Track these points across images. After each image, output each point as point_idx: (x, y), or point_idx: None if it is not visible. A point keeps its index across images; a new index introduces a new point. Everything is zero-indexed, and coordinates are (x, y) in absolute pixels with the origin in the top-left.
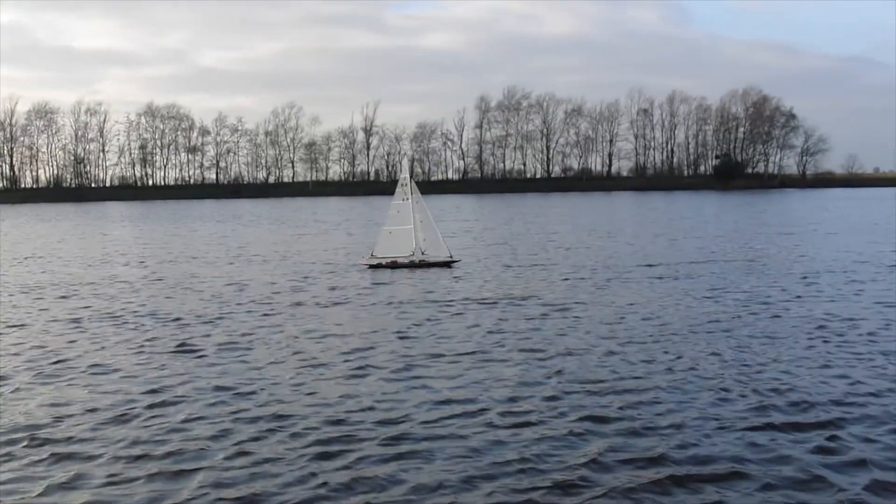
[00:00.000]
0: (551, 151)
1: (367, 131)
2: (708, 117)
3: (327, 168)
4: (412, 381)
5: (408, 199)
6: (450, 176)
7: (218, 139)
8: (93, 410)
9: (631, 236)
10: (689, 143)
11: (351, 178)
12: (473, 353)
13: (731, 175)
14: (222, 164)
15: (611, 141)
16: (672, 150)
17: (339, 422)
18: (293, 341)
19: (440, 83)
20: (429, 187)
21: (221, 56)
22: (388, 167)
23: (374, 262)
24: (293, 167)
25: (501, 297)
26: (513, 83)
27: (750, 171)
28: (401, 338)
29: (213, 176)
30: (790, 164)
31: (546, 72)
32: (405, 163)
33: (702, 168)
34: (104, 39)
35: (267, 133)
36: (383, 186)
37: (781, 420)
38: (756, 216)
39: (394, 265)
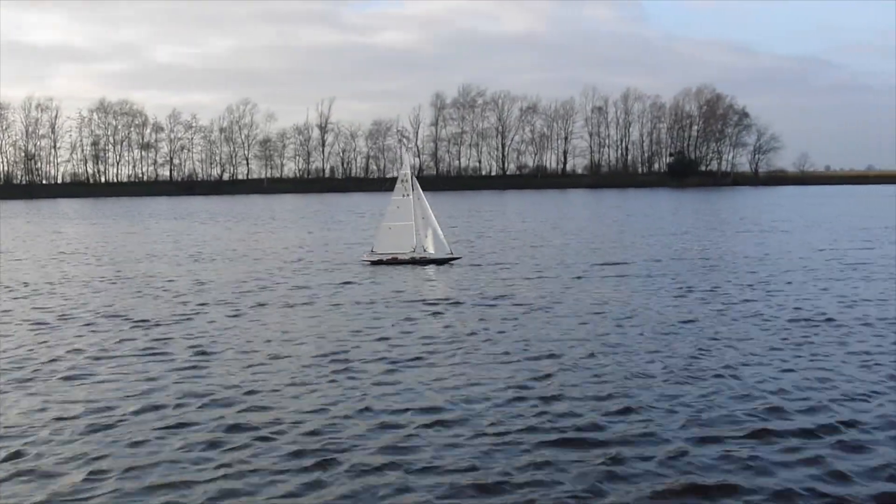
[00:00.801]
0: (506, 149)
1: (323, 128)
2: (662, 115)
3: (282, 165)
4: (392, 384)
5: (408, 195)
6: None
7: (172, 136)
8: (60, 419)
9: (595, 234)
10: (643, 141)
11: (306, 176)
12: (452, 355)
13: (684, 173)
14: (176, 161)
15: (566, 138)
16: (626, 148)
17: (315, 432)
18: (265, 344)
19: (396, 81)
20: (384, 184)
21: (176, 52)
22: (343, 164)
23: (375, 258)
24: (248, 164)
25: (500, 296)
26: (468, 81)
27: (703, 168)
28: (380, 339)
29: (167, 173)
30: (743, 162)
31: (502, 70)
32: (406, 158)
33: (656, 166)
34: (56, 34)
35: (221, 130)
36: (339, 184)
37: (770, 426)
38: (716, 214)
39: (394, 261)
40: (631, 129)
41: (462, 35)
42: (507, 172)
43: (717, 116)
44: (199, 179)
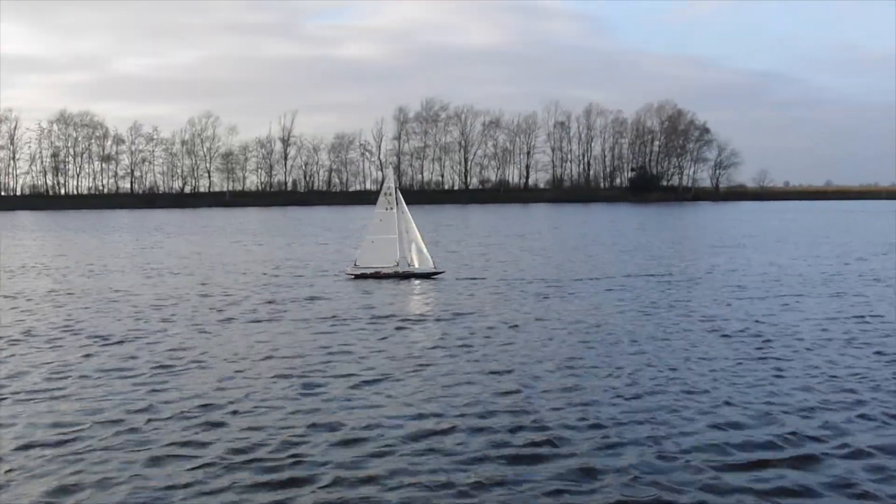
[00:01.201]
0: (469, 163)
1: (285, 141)
2: (624, 130)
3: (244, 178)
4: (358, 399)
5: (392, 208)
6: (368, 186)
7: (133, 148)
8: (22, 438)
9: (571, 248)
10: (605, 156)
11: (268, 189)
12: (422, 370)
13: (646, 188)
14: (137, 174)
15: (528, 153)
16: (588, 163)
17: (291, 445)
18: (236, 359)
19: (359, 93)
20: (347, 198)
21: (138, 63)
22: (305, 178)
23: (359, 272)
24: (209, 177)
25: (471, 311)
26: (431, 94)
27: (665, 183)
28: (350, 354)
29: (128, 185)
30: (704, 178)
31: (465, 83)
32: (390, 172)
33: (618, 181)
34: (16, 44)
35: (183, 142)
36: (301, 197)
37: (731, 441)
38: (683, 229)
39: (377, 275)
40: (593, 144)
41: (426, 48)
42: (470, 187)
43: (679, 132)
44: (160, 192)
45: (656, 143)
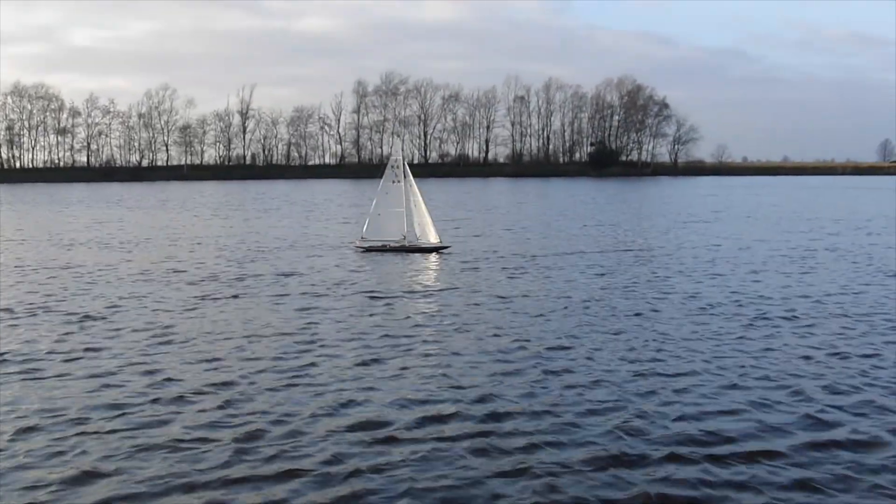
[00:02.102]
0: (429, 137)
1: (244, 114)
2: (583, 105)
3: (202, 152)
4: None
5: (399, 181)
6: (327, 160)
7: (89, 121)
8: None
9: (547, 224)
10: (564, 131)
11: (227, 162)
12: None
13: (605, 162)
14: (94, 147)
15: (488, 127)
16: (548, 138)
17: (292, 427)
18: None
19: (318, 67)
20: (306, 172)
21: (94, 35)
22: (264, 151)
23: (367, 244)
24: (167, 150)
25: (485, 288)
26: (391, 68)
27: (624, 158)
28: (342, 332)
29: (84, 159)
30: (662, 153)
31: (425, 57)
32: (397, 144)
33: (577, 155)
34: None
35: (140, 115)
36: (260, 171)
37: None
38: (652, 205)
39: (384, 248)
40: (552, 119)
41: (385, 21)
42: (430, 161)
43: (638, 107)
44: (117, 165)
45: (615, 117)
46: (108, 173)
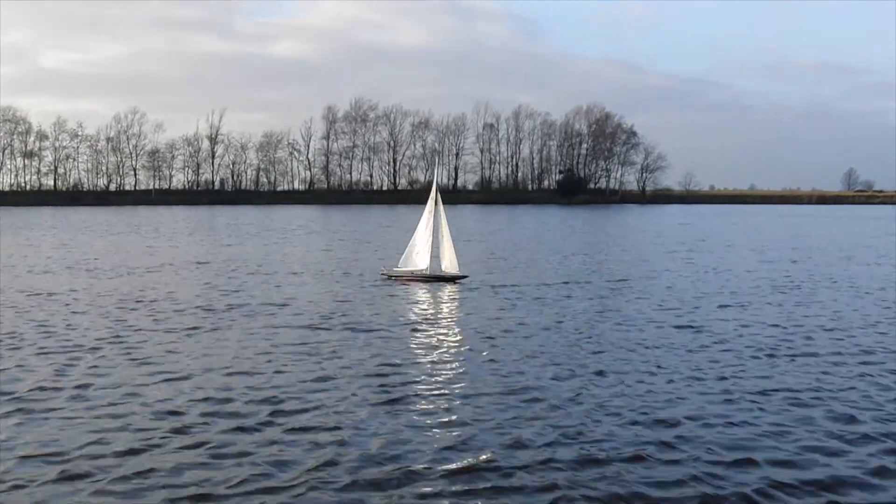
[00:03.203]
0: (398, 164)
1: (213, 139)
2: (552, 133)
3: (171, 176)
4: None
5: (432, 211)
6: (296, 186)
7: (56, 144)
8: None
9: (548, 252)
10: (533, 158)
11: (195, 187)
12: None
13: (574, 190)
14: (61, 171)
15: (457, 154)
16: (517, 165)
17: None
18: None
19: (288, 92)
20: (275, 197)
21: (63, 57)
22: (233, 176)
23: (395, 273)
24: (135, 175)
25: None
26: (360, 94)
27: (592, 186)
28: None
29: (51, 182)
30: (630, 181)
31: (396, 83)
32: (436, 171)
33: (546, 183)
34: None
35: (108, 139)
36: (228, 196)
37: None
38: (630, 233)
39: (409, 278)
40: (521, 146)
41: (356, 47)
42: (399, 187)
43: (606, 135)
44: (84, 189)
45: (584, 145)
46: (75, 197)
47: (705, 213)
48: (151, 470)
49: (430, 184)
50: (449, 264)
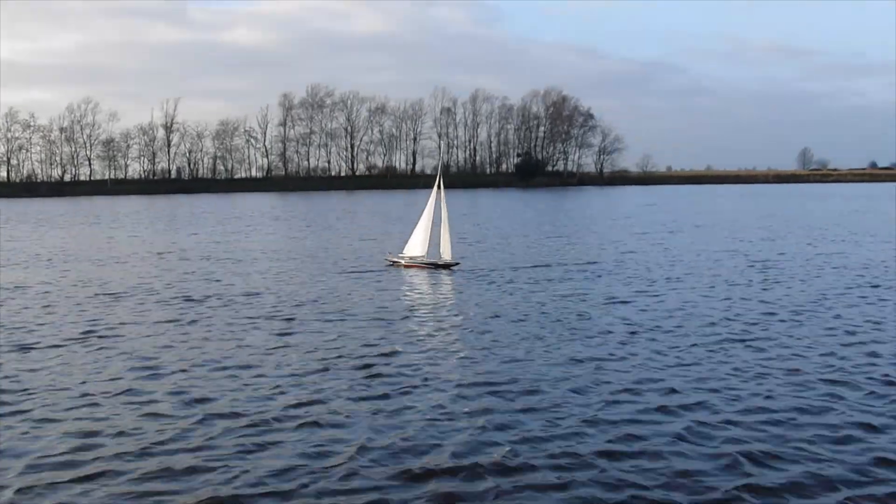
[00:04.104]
0: (355, 149)
1: (168, 128)
2: (510, 116)
3: (126, 166)
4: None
5: (437, 196)
6: (253, 174)
7: (9, 135)
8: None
9: (521, 235)
10: (491, 142)
11: (151, 177)
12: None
13: (532, 173)
14: (14, 162)
15: (415, 139)
16: (475, 149)
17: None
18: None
19: (244, 80)
20: (232, 185)
21: (14, 47)
22: (189, 165)
23: (394, 259)
24: (90, 165)
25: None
26: (317, 81)
27: (550, 169)
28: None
29: (4, 174)
30: (588, 163)
31: (353, 70)
32: (440, 154)
33: (504, 166)
34: None
35: (62, 129)
36: (185, 185)
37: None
38: (597, 216)
39: (409, 265)
40: (479, 130)
41: (312, 34)
42: (357, 173)
43: (563, 118)
44: (38, 181)
45: (541, 128)
46: (29, 188)
47: (668, 194)
48: (144, 471)
49: (388, 169)
50: (444, 251)
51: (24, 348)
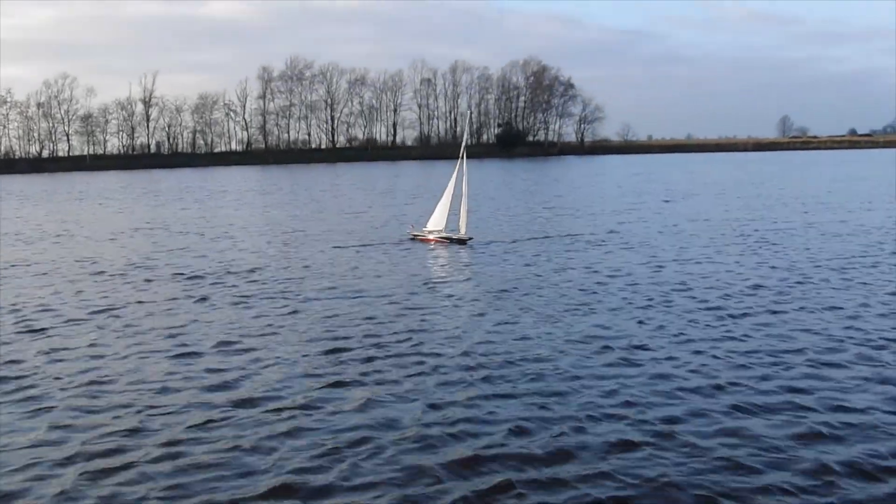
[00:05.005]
0: (336, 121)
1: (147, 102)
2: (490, 87)
3: (105, 141)
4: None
5: (461, 168)
6: (233, 147)
7: None
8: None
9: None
10: (471, 112)
11: (131, 152)
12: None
13: (513, 143)
14: None
15: (395, 110)
16: (455, 120)
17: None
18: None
19: (223, 53)
20: (212, 159)
21: None
22: (169, 139)
23: (416, 233)
24: (69, 140)
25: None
26: (296, 53)
27: (531, 139)
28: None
29: None
30: (569, 132)
31: (333, 42)
32: (466, 123)
33: (485, 137)
34: None
35: (39, 105)
36: (165, 159)
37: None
38: (591, 184)
39: (426, 238)
40: (459, 101)
41: (291, 6)
42: (338, 145)
43: (544, 87)
44: (16, 157)
45: (522, 98)
46: (7, 165)
47: (650, 163)
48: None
49: (369, 141)
50: (462, 225)
51: (35, 330)
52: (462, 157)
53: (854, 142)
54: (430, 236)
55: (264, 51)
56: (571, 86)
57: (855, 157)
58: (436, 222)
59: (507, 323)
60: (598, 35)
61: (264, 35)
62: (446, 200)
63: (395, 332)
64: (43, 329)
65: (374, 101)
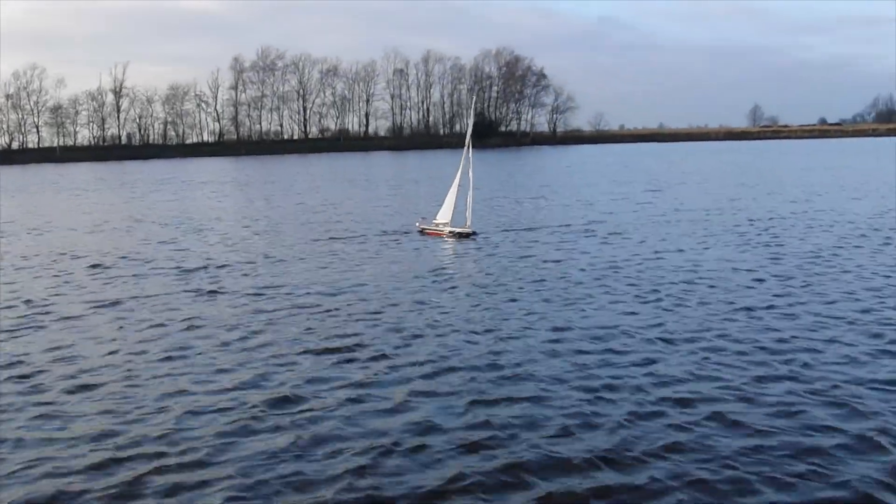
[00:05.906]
0: (308, 112)
1: (117, 93)
2: (462, 77)
3: (75, 133)
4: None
5: (468, 158)
6: (205, 138)
7: None
8: None
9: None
10: (444, 103)
11: (102, 143)
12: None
13: (485, 133)
14: None
15: (367, 101)
16: (428, 110)
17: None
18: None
19: (194, 44)
20: (184, 150)
21: None
22: (140, 130)
23: (425, 226)
24: (38, 132)
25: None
26: (268, 43)
27: (504, 129)
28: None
29: None
30: (541, 122)
31: (304, 32)
32: (472, 112)
33: (457, 127)
34: None
35: (8, 96)
36: (136, 151)
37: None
38: (569, 174)
39: (434, 232)
40: (432, 91)
41: None
42: (310, 136)
43: (516, 78)
44: None
45: (494, 88)
46: None
47: (624, 152)
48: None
49: (341, 132)
50: (467, 218)
51: (38, 325)
52: (468, 147)
53: (824, 131)
54: (443, 230)
55: (236, 41)
56: (544, 76)
57: (826, 146)
58: (444, 215)
59: (533, 313)
60: (570, 24)
61: (236, 26)
62: (453, 192)
63: (403, 328)
64: (42, 326)
65: (346, 92)
